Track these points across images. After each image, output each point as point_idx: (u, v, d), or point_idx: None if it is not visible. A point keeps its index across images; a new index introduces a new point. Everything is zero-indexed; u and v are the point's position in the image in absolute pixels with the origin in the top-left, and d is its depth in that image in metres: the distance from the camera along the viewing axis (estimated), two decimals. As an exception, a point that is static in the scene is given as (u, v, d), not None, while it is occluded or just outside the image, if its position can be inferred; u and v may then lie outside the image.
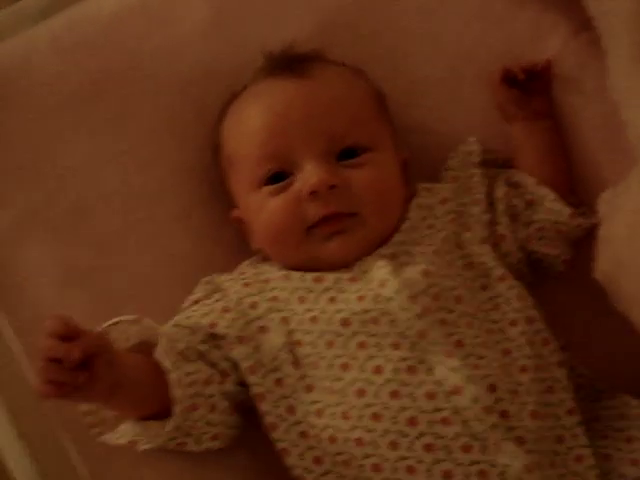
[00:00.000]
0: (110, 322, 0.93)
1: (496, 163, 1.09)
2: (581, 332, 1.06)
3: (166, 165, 1.12)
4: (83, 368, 0.81)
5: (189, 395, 0.93)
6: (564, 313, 1.05)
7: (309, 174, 0.98)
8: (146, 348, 0.94)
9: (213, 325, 0.98)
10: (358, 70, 1.09)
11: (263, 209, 1.00)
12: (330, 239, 0.98)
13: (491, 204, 1.04)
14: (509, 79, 1.07)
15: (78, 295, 1.04)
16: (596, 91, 1.06)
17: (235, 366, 0.97)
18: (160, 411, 0.93)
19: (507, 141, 1.10)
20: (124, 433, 0.93)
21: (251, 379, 0.96)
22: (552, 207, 1.03)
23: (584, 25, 1.06)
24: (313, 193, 0.97)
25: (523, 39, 1.12)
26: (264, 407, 0.95)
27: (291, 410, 0.94)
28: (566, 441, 0.92)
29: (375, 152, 1.02)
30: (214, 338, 0.98)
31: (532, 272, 1.05)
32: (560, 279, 1.07)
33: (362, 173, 0.99)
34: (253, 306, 0.99)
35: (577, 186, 1.08)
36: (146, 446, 0.92)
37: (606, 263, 0.93)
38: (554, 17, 1.11)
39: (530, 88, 1.08)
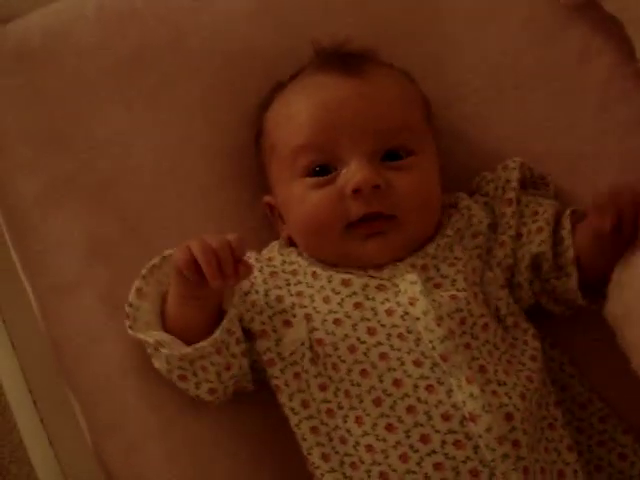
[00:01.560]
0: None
1: (531, 180, 1.09)
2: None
3: (197, 144, 1.13)
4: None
5: (226, 330, 0.97)
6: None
7: (354, 172, 0.99)
8: None
9: (239, 317, 1.00)
10: (407, 74, 1.09)
11: (304, 201, 1.01)
12: (368, 239, 1.00)
13: (515, 250, 1.03)
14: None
15: (100, 267, 1.07)
16: (635, 121, 1.05)
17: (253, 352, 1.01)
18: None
19: (537, 159, 1.09)
20: (153, 335, 0.97)
21: (270, 371, 0.99)
22: (574, 291, 1.01)
23: (631, 54, 1.05)
24: (357, 191, 0.98)
25: (569, 58, 1.11)
26: (281, 399, 0.98)
27: (305, 404, 0.97)
28: (567, 476, 0.95)
29: (419, 156, 1.03)
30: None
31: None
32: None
33: (405, 177, 1.00)
34: (279, 300, 1.01)
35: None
36: (166, 351, 0.96)
37: (615, 307, 0.94)
38: (603, 41, 1.09)
39: None
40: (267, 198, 1.10)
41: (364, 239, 1.00)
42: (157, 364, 1.00)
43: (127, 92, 1.12)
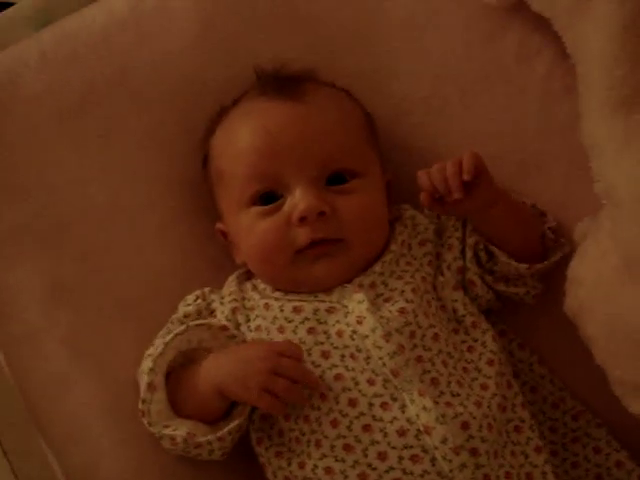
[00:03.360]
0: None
1: None
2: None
3: (152, 179, 1.14)
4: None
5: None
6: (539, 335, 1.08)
7: (299, 200, 0.99)
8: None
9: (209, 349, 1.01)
10: (348, 93, 1.10)
11: (252, 230, 1.02)
12: (316, 262, 1.01)
13: (462, 249, 1.05)
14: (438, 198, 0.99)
15: (62, 311, 1.07)
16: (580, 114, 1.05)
17: None
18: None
19: (487, 162, 1.07)
20: (180, 426, 0.96)
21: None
22: (509, 262, 1.03)
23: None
24: (302, 219, 0.99)
25: (508, 60, 1.11)
26: (252, 433, 0.99)
27: (272, 435, 0.98)
28: (535, 479, 0.94)
29: (363, 178, 1.03)
30: None
31: (505, 304, 1.07)
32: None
33: (350, 200, 1.01)
34: (239, 335, 1.02)
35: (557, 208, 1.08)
36: (202, 439, 0.95)
37: (572, 303, 0.94)
38: (541, 39, 1.09)
39: (467, 185, 0.97)
40: (219, 225, 1.11)
41: (312, 262, 1.01)
42: (169, 445, 0.98)
43: (77, 135, 1.13)
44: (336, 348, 0.97)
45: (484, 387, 0.96)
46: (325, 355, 0.97)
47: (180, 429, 0.96)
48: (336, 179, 1.02)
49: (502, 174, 1.07)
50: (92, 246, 1.11)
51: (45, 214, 1.11)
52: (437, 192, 0.97)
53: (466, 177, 0.95)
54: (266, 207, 1.02)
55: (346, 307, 0.99)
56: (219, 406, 0.98)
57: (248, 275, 1.10)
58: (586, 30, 0.90)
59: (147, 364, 0.99)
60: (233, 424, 0.96)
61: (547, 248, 1.05)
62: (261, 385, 0.93)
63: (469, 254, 1.04)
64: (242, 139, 1.04)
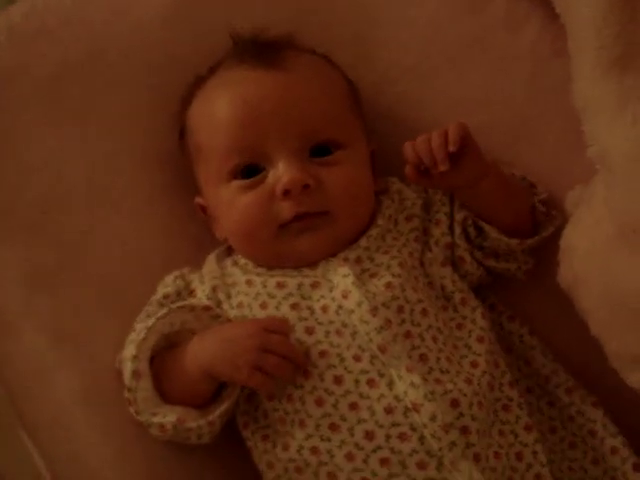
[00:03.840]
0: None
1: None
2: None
3: (131, 157, 1.11)
4: None
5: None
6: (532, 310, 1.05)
7: (282, 172, 0.96)
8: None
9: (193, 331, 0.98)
10: (329, 59, 1.06)
11: (234, 204, 0.99)
12: (300, 236, 0.97)
13: (450, 225, 1.02)
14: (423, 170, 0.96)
15: (41, 298, 1.04)
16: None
17: None
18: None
19: (477, 131, 1.03)
20: (169, 413, 0.93)
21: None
22: (499, 238, 1.00)
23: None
24: (286, 192, 0.95)
25: (497, 26, 1.08)
26: (238, 416, 0.97)
27: (257, 417, 0.95)
28: (525, 458, 0.91)
29: (348, 149, 1.00)
30: None
31: (496, 279, 1.04)
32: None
33: (335, 172, 0.98)
34: (222, 314, 0.99)
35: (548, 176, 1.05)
36: (193, 424, 0.93)
37: (566, 273, 0.91)
38: (529, 3, 1.06)
39: (454, 157, 0.94)
40: (198, 200, 1.07)
41: (296, 236, 0.97)
42: (157, 432, 0.95)
43: (52, 112, 1.09)
44: (320, 324, 0.94)
45: (474, 364, 0.93)
46: (309, 331, 0.93)
47: (169, 416, 0.93)
48: (320, 150, 0.99)
49: (491, 143, 1.05)
50: (71, 229, 1.08)
51: (21, 197, 1.07)
52: (422, 164, 0.94)
53: (452, 148, 0.92)
54: (247, 181, 0.98)
55: (331, 281, 0.96)
56: (208, 388, 0.95)
57: (228, 252, 1.07)
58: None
59: (130, 351, 0.96)
60: (224, 406, 0.94)
61: (538, 221, 1.02)
62: (251, 363, 0.90)
63: (458, 230, 1.01)
64: (220, 110, 1.00)
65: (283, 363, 0.90)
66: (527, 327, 1.03)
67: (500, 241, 0.99)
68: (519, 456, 0.91)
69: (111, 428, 0.98)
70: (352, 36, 1.11)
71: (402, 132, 1.08)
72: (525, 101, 1.07)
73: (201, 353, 0.94)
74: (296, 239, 0.97)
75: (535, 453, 0.92)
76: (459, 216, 1.01)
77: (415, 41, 1.10)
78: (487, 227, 0.99)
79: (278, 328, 0.92)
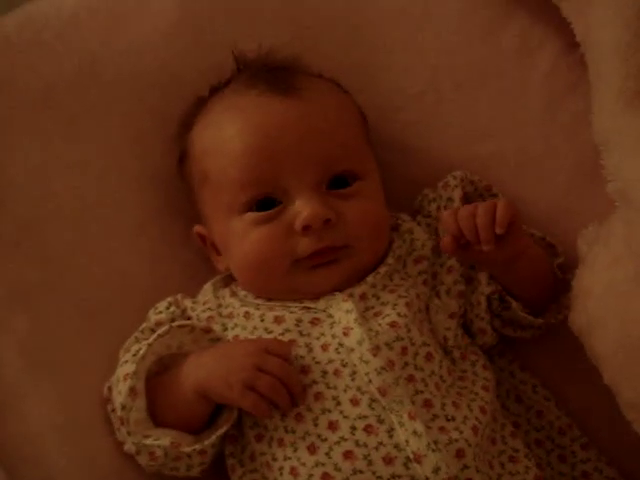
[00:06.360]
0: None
1: (476, 193, 1.02)
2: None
3: (122, 176, 1.07)
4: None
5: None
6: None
7: (302, 207, 0.91)
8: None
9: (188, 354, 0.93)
10: (339, 85, 1.02)
11: (247, 237, 0.94)
12: (315, 270, 0.93)
13: (475, 294, 0.97)
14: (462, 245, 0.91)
15: (21, 317, 0.98)
16: (586, 113, 0.97)
17: None
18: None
19: (484, 163, 1.03)
20: (162, 436, 0.88)
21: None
22: (525, 317, 0.95)
23: (573, 40, 0.97)
24: (306, 228, 0.91)
25: (509, 53, 1.04)
26: (226, 450, 0.92)
27: (243, 460, 0.90)
28: None
29: (365, 180, 0.96)
30: None
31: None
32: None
33: (355, 204, 0.94)
34: (222, 336, 0.95)
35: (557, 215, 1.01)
36: (187, 449, 0.88)
37: (580, 317, 0.86)
38: (544, 31, 1.03)
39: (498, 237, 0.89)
40: (198, 228, 1.02)
41: (310, 270, 0.93)
42: (146, 459, 0.89)
43: (42, 126, 1.05)
44: (318, 363, 0.88)
45: (483, 410, 0.88)
46: (305, 370, 0.88)
47: (163, 439, 0.88)
48: (337, 182, 0.94)
49: (498, 175, 1.02)
50: (55, 248, 1.02)
51: (6, 214, 1.02)
52: (463, 238, 0.89)
53: (499, 231, 0.87)
54: (263, 213, 0.93)
55: (332, 317, 0.91)
56: (202, 410, 0.90)
57: (226, 282, 1.01)
58: (598, 16, 0.83)
59: (127, 368, 0.90)
60: (221, 431, 0.88)
61: (557, 288, 0.97)
62: (244, 381, 0.85)
63: (484, 304, 0.96)
64: (233, 139, 0.94)
65: (277, 386, 0.85)
66: (538, 379, 0.99)
67: (525, 319, 0.95)
68: None
69: (86, 460, 0.92)
70: (357, 60, 1.08)
71: (408, 162, 1.06)
72: (536, 136, 1.03)
73: (196, 369, 0.90)
74: (311, 273, 0.93)
75: None
76: (488, 289, 0.96)
77: (423, 67, 1.07)
78: (515, 304, 0.95)
79: (279, 350, 0.87)
